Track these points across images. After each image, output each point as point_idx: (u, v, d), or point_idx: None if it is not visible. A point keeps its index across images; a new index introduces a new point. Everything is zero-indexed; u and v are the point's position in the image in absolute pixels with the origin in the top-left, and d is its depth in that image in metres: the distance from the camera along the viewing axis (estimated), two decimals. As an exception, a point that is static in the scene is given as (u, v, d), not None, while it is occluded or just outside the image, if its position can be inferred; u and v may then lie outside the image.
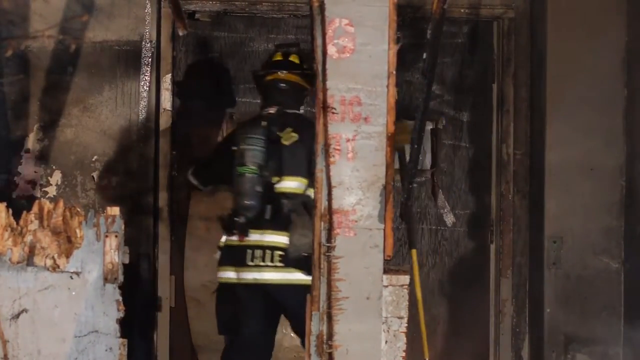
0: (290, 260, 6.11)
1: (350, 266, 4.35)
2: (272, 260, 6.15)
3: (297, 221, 6.12)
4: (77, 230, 4.67)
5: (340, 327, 4.34)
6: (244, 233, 6.19)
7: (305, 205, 6.15)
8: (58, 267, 4.65)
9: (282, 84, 6.41)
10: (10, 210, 4.69)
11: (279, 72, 6.42)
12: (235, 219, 6.16)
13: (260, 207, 6.12)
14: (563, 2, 6.83)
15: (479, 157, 7.32)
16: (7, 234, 4.64)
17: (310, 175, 6.12)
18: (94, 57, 6.74)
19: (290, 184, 6.20)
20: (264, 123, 6.24)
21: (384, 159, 4.36)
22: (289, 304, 6.17)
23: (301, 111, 6.43)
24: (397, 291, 4.42)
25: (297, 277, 6.10)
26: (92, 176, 6.74)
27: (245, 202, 6.08)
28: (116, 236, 4.67)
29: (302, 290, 6.12)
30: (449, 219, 7.28)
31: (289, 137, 6.24)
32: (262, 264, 6.16)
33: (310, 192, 6.18)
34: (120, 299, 4.67)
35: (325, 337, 4.35)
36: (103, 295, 4.65)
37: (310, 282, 6.06)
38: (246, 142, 6.14)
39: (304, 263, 6.06)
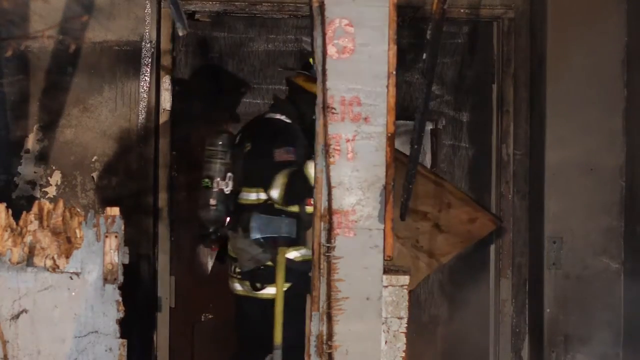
0: (243, 272, 6.07)
1: (350, 266, 4.35)
2: (234, 271, 6.13)
3: (235, 234, 6.04)
4: (77, 231, 4.67)
5: (340, 327, 4.35)
6: (208, 245, 6.16)
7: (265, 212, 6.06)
8: (58, 267, 4.65)
9: (287, 86, 6.31)
10: (10, 211, 4.69)
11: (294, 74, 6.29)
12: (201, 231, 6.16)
13: (218, 219, 6.05)
14: (563, 3, 6.83)
15: (479, 157, 7.32)
16: (7, 235, 4.64)
17: (266, 182, 5.99)
18: (94, 58, 6.74)
19: (246, 195, 6.10)
20: (225, 134, 6.14)
21: (384, 159, 4.36)
22: (247, 315, 6.13)
23: (281, 117, 6.16)
24: (397, 291, 4.42)
25: (247, 289, 6.08)
26: (92, 176, 6.74)
27: (200, 215, 6.05)
28: (116, 236, 4.67)
29: (254, 304, 6.06)
30: (449, 219, 7.28)
31: (247, 147, 6.12)
32: (231, 274, 6.15)
33: (272, 194, 6.05)
34: (120, 299, 4.67)
35: (325, 337, 4.35)
36: (103, 296, 4.65)
37: (259, 296, 6.04)
38: (205, 153, 6.10)
39: (253, 275, 6.03)
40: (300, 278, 5.98)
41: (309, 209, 5.99)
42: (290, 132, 6.04)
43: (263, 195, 6.04)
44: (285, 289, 5.94)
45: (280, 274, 5.93)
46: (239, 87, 7.13)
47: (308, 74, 6.12)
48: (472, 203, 6.66)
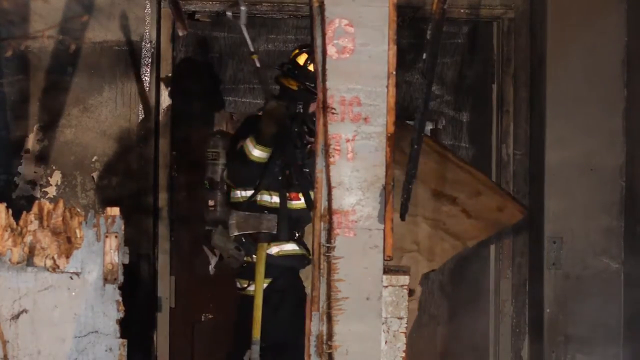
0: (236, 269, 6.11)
1: (350, 267, 4.35)
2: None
3: (214, 231, 6.06)
4: (77, 231, 4.66)
5: (340, 327, 4.34)
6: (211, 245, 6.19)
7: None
8: (58, 267, 4.65)
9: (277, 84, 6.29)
10: (10, 211, 4.69)
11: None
12: None
13: (218, 220, 6.06)
14: (563, 3, 6.83)
15: (479, 157, 7.32)
16: (7, 235, 4.64)
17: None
18: (94, 58, 6.74)
19: (232, 193, 6.11)
20: (218, 135, 6.17)
21: (384, 159, 4.36)
22: (241, 312, 6.13)
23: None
24: (396, 291, 4.42)
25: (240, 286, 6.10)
26: (92, 176, 6.74)
27: (203, 216, 6.08)
28: (116, 236, 4.67)
29: (247, 300, 6.07)
30: (449, 219, 7.27)
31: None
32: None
33: (224, 176, 6.07)
34: (120, 299, 4.67)
35: (325, 337, 4.35)
36: (103, 296, 4.65)
37: (247, 293, 6.05)
38: (206, 155, 6.12)
39: (238, 274, 6.05)
40: (280, 273, 6.00)
41: (293, 204, 6.00)
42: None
43: (246, 193, 6.04)
44: (266, 285, 5.94)
45: (260, 270, 5.93)
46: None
47: (284, 71, 6.13)
48: (502, 192, 6.67)
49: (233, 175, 5.96)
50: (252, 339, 5.84)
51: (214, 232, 6.03)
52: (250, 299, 5.95)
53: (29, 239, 4.66)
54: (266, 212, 6.00)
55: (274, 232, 5.98)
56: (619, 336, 6.79)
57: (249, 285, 6.00)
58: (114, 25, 6.74)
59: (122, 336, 4.68)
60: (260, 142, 5.77)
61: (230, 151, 6.00)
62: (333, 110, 4.34)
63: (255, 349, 5.83)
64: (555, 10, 6.83)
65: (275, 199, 6.02)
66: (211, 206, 6.02)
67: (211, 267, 6.19)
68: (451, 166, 6.48)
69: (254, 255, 5.98)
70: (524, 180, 7.12)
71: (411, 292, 6.25)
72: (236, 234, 5.97)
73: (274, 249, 6.00)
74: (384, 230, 4.36)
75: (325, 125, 4.34)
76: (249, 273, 5.98)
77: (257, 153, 5.80)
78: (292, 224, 6.02)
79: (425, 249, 6.47)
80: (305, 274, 6.04)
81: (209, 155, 6.05)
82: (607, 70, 6.81)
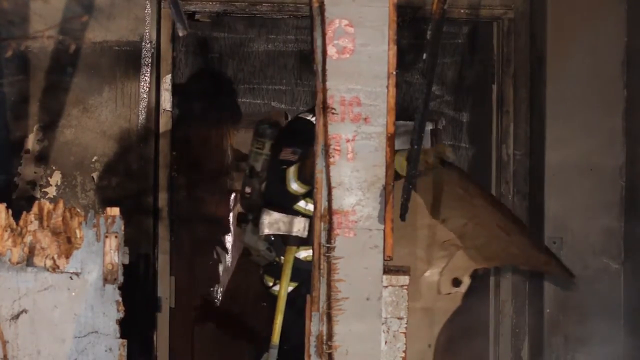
0: (263, 267, 6.11)
1: (350, 267, 4.35)
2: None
3: (245, 229, 6.08)
4: (77, 231, 4.66)
5: (340, 327, 4.35)
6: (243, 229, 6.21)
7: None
8: (58, 267, 4.65)
9: None
10: (10, 211, 4.69)
11: None
12: None
13: (252, 207, 6.07)
14: (563, 3, 6.83)
15: (478, 158, 7.32)
16: (7, 235, 4.64)
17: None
18: (94, 58, 6.74)
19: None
20: (266, 125, 6.17)
21: (384, 160, 4.36)
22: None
23: (311, 118, 6.05)
24: (396, 292, 4.42)
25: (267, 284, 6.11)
26: (92, 177, 6.74)
27: (239, 201, 6.11)
28: (116, 237, 4.67)
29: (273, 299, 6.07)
30: (449, 219, 7.27)
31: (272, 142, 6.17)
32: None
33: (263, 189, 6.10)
34: (120, 299, 4.67)
35: (325, 337, 4.35)
36: (103, 296, 4.65)
37: (273, 292, 6.05)
38: (252, 141, 6.15)
39: (265, 272, 6.05)
40: (307, 278, 5.98)
41: None
42: (308, 134, 6.00)
43: None
44: (292, 288, 5.94)
45: (286, 273, 5.92)
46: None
47: None
48: (549, 253, 6.68)
49: (269, 194, 5.98)
50: (270, 343, 5.84)
51: (246, 230, 6.05)
52: (274, 299, 5.95)
53: (29, 239, 4.66)
54: (299, 214, 6.00)
55: (304, 236, 5.97)
56: (619, 336, 6.79)
57: (274, 284, 5.99)
58: (114, 25, 6.74)
59: (122, 336, 4.68)
60: (300, 178, 5.78)
61: (274, 147, 6.00)
62: (333, 111, 4.34)
63: (273, 353, 5.83)
64: (555, 10, 6.83)
65: (310, 207, 6.01)
66: (248, 193, 6.05)
67: (222, 271, 6.21)
68: (507, 222, 6.58)
69: (281, 256, 5.99)
70: (524, 180, 7.12)
71: (457, 283, 6.29)
72: (266, 233, 5.98)
73: (303, 253, 5.99)
74: (384, 231, 4.36)
75: (325, 125, 4.34)
76: (276, 271, 5.98)
77: (295, 187, 5.81)
78: None
79: (484, 252, 6.50)
80: None
81: (254, 143, 6.07)
82: (607, 71, 6.81)
